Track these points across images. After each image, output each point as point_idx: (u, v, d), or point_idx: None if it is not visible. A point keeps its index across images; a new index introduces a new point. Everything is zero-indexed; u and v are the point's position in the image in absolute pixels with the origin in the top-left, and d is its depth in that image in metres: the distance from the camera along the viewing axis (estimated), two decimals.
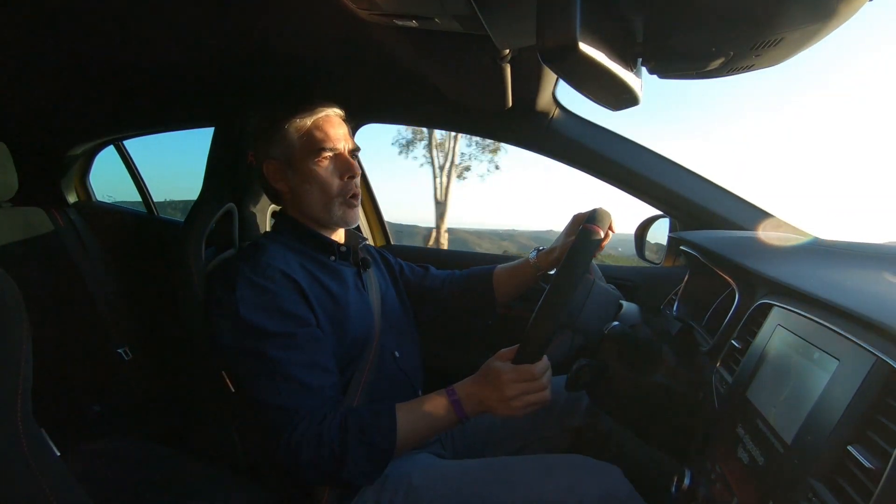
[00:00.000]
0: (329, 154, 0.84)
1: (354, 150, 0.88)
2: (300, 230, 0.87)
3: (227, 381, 0.82)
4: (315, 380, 0.73)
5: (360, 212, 0.90)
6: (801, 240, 0.86)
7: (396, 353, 0.89)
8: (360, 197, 0.88)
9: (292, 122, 0.84)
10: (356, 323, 0.83)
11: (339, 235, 0.92)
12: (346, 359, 0.81)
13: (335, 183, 0.84)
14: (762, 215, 1.06)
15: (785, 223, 1.04)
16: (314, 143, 0.83)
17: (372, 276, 0.94)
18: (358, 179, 0.88)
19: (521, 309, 1.22)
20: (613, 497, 0.67)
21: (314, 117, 0.84)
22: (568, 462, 0.75)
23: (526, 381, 0.69)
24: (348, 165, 0.85)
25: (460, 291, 1.04)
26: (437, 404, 0.73)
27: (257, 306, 0.74)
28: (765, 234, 0.99)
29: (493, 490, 0.71)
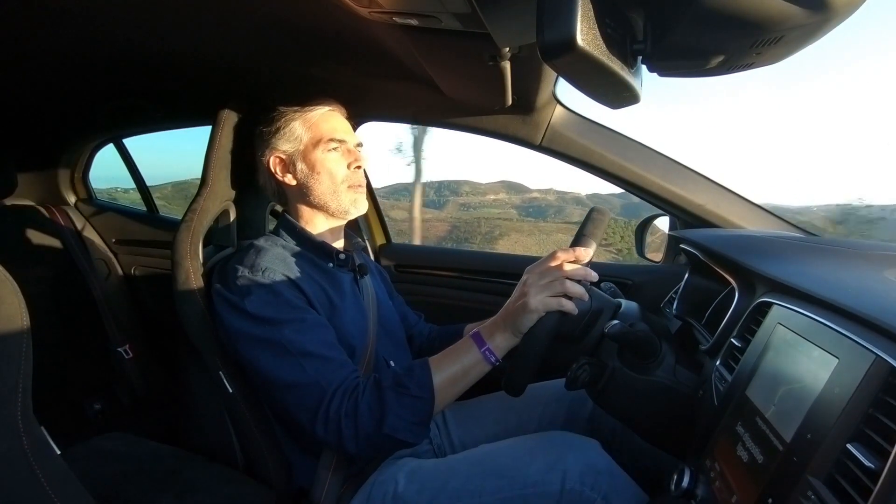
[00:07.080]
0: (336, 145, 0.87)
1: (358, 145, 0.92)
2: (300, 234, 0.88)
3: (225, 381, 0.82)
4: (336, 354, 0.75)
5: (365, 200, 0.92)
6: (801, 238, 0.86)
7: (392, 363, 0.89)
8: (364, 186, 0.91)
9: (300, 116, 0.87)
10: (352, 327, 0.83)
11: (339, 243, 0.94)
12: None
13: (342, 172, 0.87)
14: (763, 214, 1.06)
15: (785, 222, 1.04)
16: (322, 135, 0.87)
17: (368, 284, 0.95)
18: (364, 170, 0.91)
19: None
20: (594, 469, 0.69)
21: (321, 111, 0.88)
22: (548, 440, 0.76)
23: (542, 269, 0.70)
24: (355, 156, 0.89)
25: (438, 344, 1.05)
26: (465, 347, 0.75)
27: (263, 301, 0.75)
28: (764, 232, 0.99)
29: (477, 483, 0.72)
